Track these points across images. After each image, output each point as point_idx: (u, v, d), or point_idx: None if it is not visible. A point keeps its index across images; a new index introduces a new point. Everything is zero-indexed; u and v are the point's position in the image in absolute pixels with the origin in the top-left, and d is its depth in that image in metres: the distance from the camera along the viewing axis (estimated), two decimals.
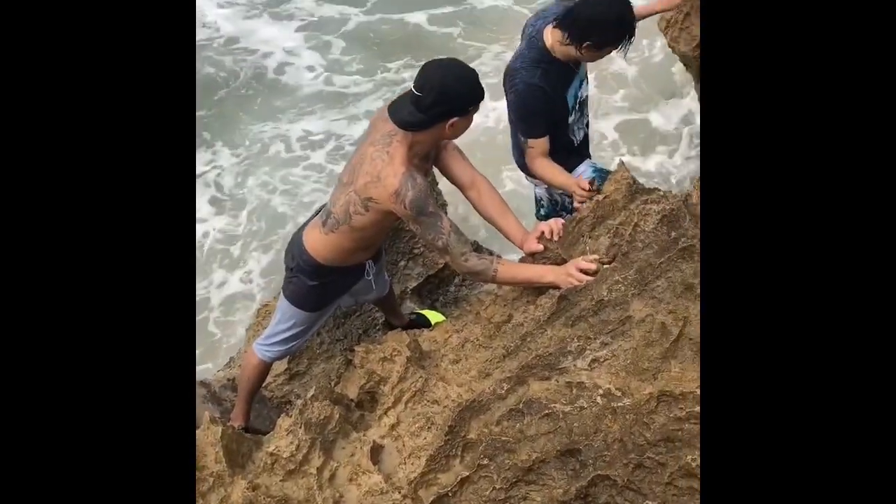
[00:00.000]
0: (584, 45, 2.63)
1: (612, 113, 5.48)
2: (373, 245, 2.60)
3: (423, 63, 2.24)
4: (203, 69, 6.47)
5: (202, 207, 5.44)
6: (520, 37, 3.03)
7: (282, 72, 6.59)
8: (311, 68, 6.56)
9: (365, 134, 2.47)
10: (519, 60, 2.87)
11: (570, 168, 3.17)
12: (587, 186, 2.53)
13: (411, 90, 2.18)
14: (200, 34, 6.76)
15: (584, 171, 3.26)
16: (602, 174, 3.11)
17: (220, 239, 5.32)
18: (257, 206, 5.52)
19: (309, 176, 5.72)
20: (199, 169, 5.69)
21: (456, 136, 2.33)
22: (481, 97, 2.22)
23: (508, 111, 2.99)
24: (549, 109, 2.88)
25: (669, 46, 3.51)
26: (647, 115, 5.47)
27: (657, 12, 3.28)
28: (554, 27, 2.72)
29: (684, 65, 3.55)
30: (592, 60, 2.85)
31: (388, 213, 2.31)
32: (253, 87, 6.47)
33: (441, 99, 2.13)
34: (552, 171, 2.96)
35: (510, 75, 2.88)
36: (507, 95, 2.92)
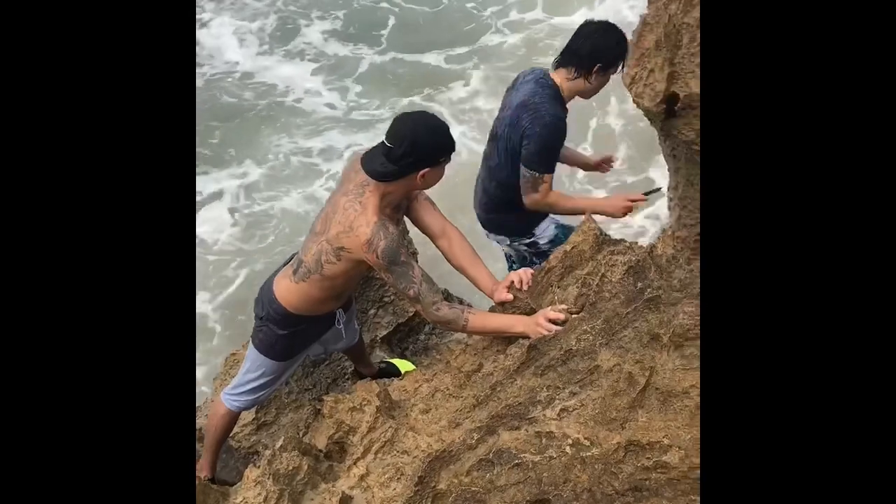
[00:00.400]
0: (594, 71, 2.97)
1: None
2: (343, 294, 2.61)
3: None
4: (221, 98, 6.69)
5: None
6: (506, 93, 3.16)
7: (300, 101, 6.93)
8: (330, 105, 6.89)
9: (338, 184, 2.50)
10: (536, 97, 2.97)
11: (535, 220, 3.23)
12: (633, 199, 2.58)
13: (383, 142, 2.23)
14: (218, 68, 6.89)
15: (547, 227, 3.34)
16: (565, 231, 3.18)
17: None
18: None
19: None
20: (225, 183, 6.00)
21: (427, 187, 2.37)
22: (452, 149, 2.28)
23: (524, 146, 2.97)
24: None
25: (634, 102, 3.60)
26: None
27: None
28: (556, 69, 3.01)
29: (648, 119, 3.64)
30: (598, 89, 3.09)
31: (359, 262, 2.33)
32: (274, 110, 6.78)
33: (412, 150, 2.18)
34: (573, 200, 3.06)
35: (532, 109, 2.95)
36: (526, 130, 2.95)
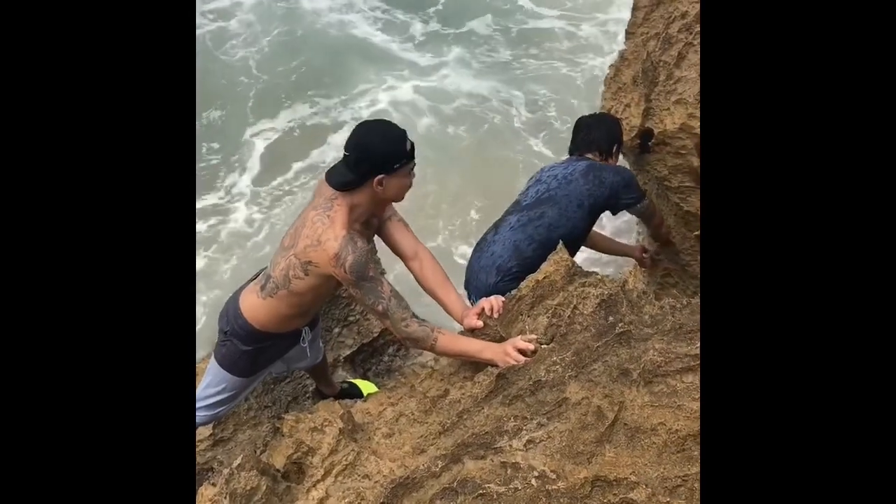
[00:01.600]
0: (614, 153, 3.44)
1: None
2: (310, 311, 2.57)
3: None
4: None
5: None
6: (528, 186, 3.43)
7: None
8: None
9: (310, 200, 2.47)
10: (602, 168, 3.32)
11: None
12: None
13: (343, 152, 2.23)
14: None
15: None
16: None
17: None
18: None
19: None
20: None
21: (390, 198, 2.35)
22: (406, 155, 2.25)
23: (624, 193, 3.29)
24: None
25: None
26: None
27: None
28: (580, 156, 3.43)
29: (622, 153, 3.69)
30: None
31: (327, 277, 2.30)
32: None
33: (363, 156, 2.20)
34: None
35: (601, 168, 3.30)
36: (614, 181, 3.27)
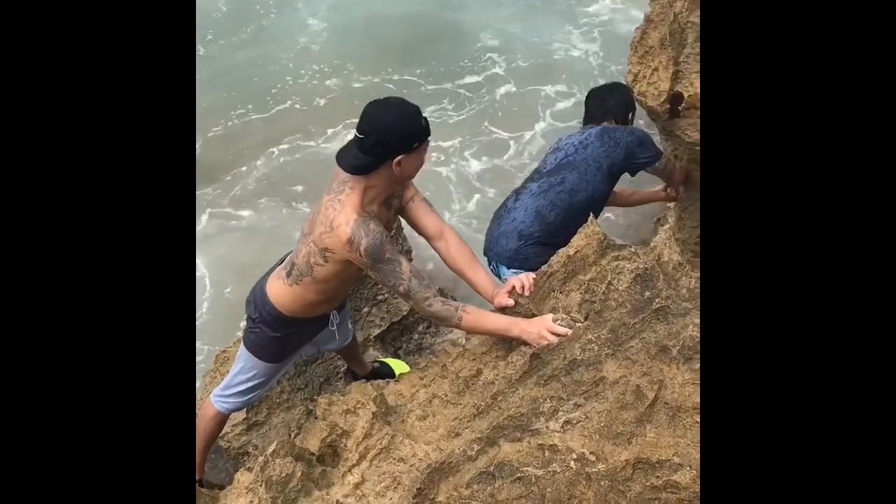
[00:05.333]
0: (630, 120, 3.61)
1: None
2: (337, 296, 2.54)
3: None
4: None
5: None
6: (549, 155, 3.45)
7: None
8: None
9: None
10: (615, 129, 3.40)
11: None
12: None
13: (356, 133, 2.16)
14: None
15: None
16: None
17: None
18: None
19: None
20: None
21: (407, 176, 2.30)
22: (426, 133, 2.21)
23: (640, 152, 3.35)
24: None
25: (637, 101, 3.54)
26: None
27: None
28: (602, 123, 3.51)
29: (651, 118, 3.58)
30: None
31: (347, 262, 2.26)
32: None
33: (383, 138, 2.13)
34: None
35: (616, 130, 3.37)
36: (629, 140, 3.33)
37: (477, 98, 6.27)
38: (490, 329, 2.29)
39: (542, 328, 2.19)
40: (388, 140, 2.13)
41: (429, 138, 2.24)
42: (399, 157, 2.17)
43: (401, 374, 3.21)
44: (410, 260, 3.76)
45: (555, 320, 2.21)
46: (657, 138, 3.76)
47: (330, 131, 6.00)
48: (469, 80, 6.48)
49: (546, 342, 2.16)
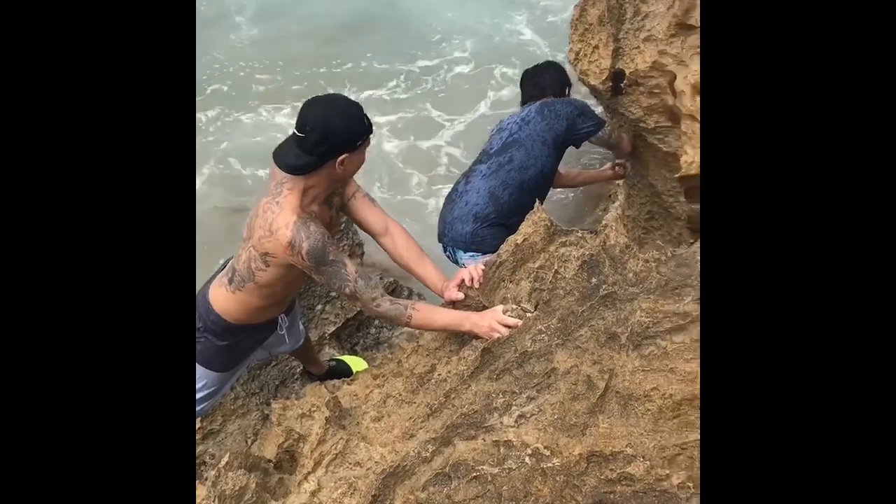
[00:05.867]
0: (567, 94, 3.59)
1: None
2: (284, 300, 2.47)
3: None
4: None
5: None
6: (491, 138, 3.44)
7: None
8: None
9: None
10: (553, 103, 3.38)
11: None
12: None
13: (294, 132, 2.09)
14: None
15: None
16: None
17: None
18: None
19: None
20: None
21: (349, 175, 2.24)
22: (369, 130, 2.15)
23: (581, 122, 3.32)
24: None
25: (580, 79, 3.52)
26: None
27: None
28: (541, 100, 3.47)
29: (594, 97, 3.56)
30: None
31: (289, 266, 2.20)
32: None
33: (326, 137, 2.05)
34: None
35: (556, 102, 3.36)
36: (570, 110, 3.32)
37: (417, 83, 6.20)
38: (441, 325, 2.25)
39: (492, 321, 2.15)
40: (332, 139, 2.06)
41: (371, 135, 2.18)
42: (343, 157, 2.10)
43: (358, 372, 3.17)
44: (362, 254, 3.70)
45: (505, 311, 2.18)
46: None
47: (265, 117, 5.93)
48: (412, 65, 6.40)
49: (497, 335, 2.12)
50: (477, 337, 2.19)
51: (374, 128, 2.18)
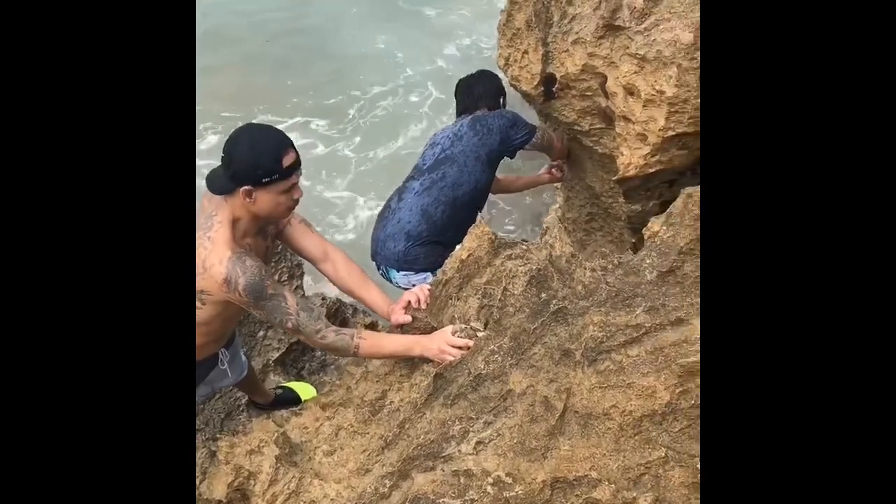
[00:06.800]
0: (502, 104, 3.50)
1: None
2: (223, 336, 2.36)
3: None
4: None
5: None
6: (424, 152, 3.39)
7: None
8: None
9: None
10: (485, 117, 3.32)
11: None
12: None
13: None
14: None
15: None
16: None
17: None
18: None
19: None
20: None
21: (263, 212, 2.06)
22: (283, 173, 1.98)
23: (514, 134, 3.27)
24: None
25: (511, 85, 3.48)
26: None
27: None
28: (475, 112, 3.40)
29: (527, 101, 3.53)
30: None
31: (226, 302, 2.09)
32: None
33: (230, 163, 1.97)
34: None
35: (486, 116, 3.29)
36: (500, 123, 3.26)
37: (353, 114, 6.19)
38: (389, 352, 2.19)
39: (441, 342, 2.10)
40: (234, 166, 1.96)
41: (291, 179, 2.02)
42: (247, 188, 1.99)
43: (306, 400, 3.07)
44: (302, 275, 3.59)
45: (454, 332, 2.12)
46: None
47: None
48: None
49: (449, 357, 2.07)
50: (428, 361, 2.12)
51: (290, 179, 2.02)
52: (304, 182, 2.13)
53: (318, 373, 3.53)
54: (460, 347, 2.06)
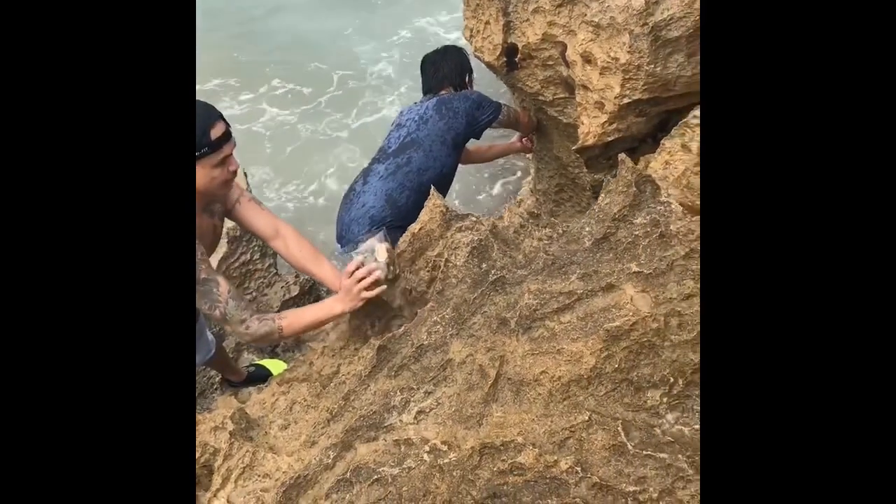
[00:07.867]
0: (467, 82, 3.54)
1: None
2: None
3: None
4: None
5: None
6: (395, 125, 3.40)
7: None
8: None
9: None
10: (450, 100, 3.34)
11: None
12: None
13: None
14: None
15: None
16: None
17: None
18: None
19: None
20: None
21: (202, 186, 2.04)
22: (207, 144, 1.97)
23: (481, 114, 3.31)
24: None
25: (475, 56, 3.47)
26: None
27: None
28: (441, 92, 3.45)
29: (494, 73, 3.51)
30: None
31: None
32: None
33: None
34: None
35: (452, 98, 3.31)
36: (468, 105, 3.29)
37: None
38: (314, 321, 2.20)
39: (351, 287, 2.15)
40: None
41: (222, 150, 2.02)
42: None
43: (277, 375, 3.10)
44: (275, 253, 3.61)
45: (353, 271, 2.18)
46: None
47: None
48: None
49: (367, 293, 2.15)
50: (357, 312, 2.20)
51: (221, 151, 2.01)
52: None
53: (293, 350, 3.57)
54: (367, 278, 2.15)
